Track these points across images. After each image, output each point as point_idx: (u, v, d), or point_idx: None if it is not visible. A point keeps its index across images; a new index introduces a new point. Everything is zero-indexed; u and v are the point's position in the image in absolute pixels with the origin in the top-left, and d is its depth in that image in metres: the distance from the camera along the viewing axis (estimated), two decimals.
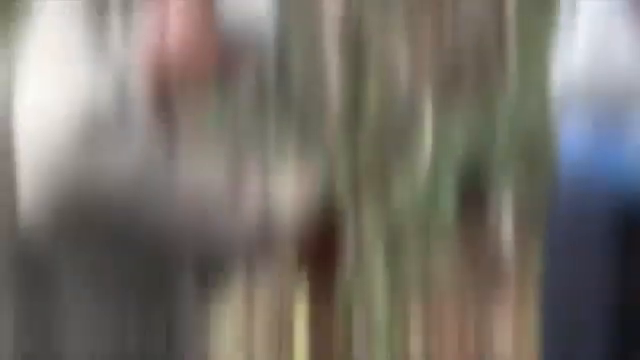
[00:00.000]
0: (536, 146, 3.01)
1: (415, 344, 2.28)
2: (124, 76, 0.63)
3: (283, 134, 2.95)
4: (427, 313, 2.51)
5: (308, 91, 3.05)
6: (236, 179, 0.65)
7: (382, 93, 2.79)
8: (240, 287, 2.47)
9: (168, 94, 0.71)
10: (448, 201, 2.75)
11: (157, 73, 0.70)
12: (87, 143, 0.57)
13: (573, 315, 1.26)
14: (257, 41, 0.75)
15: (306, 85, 2.98)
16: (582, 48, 1.22)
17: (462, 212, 2.96)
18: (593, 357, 1.24)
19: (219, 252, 0.65)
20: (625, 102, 1.23)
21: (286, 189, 0.72)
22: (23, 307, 0.66)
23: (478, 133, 2.92)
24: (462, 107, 3.26)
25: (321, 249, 0.78)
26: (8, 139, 0.59)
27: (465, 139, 2.89)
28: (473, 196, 3.05)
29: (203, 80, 0.73)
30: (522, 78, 2.95)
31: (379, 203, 2.74)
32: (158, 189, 0.59)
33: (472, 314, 2.55)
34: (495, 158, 2.85)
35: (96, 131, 0.58)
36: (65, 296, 0.65)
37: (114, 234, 0.60)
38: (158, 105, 0.69)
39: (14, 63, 0.63)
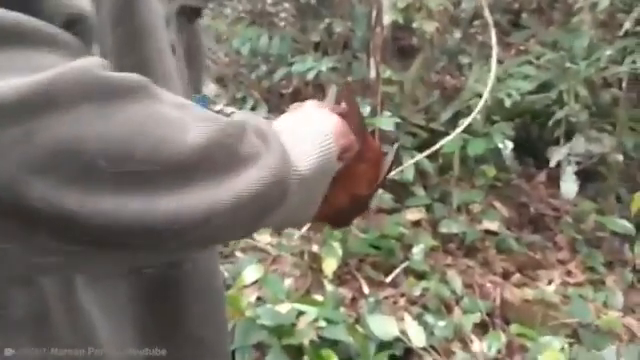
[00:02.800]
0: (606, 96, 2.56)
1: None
2: None
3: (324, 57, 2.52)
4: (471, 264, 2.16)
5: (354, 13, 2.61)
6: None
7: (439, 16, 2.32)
8: None
9: None
10: (504, 148, 2.32)
11: None
12: None
13: None
14: None
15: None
16: None
17: (518, 162, 2.56)
18: None
19: None
20: None
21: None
22: None
23: (544, 75, 2.46)
24: (528, 44, 2.79)
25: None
26: None
27: (528, 81, 2.44)
28: (531, 145, 2.63)
29: None
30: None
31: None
32: None
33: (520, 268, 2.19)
34: (560, 106, 2.41)
35: None
36: None
37: None
38: None
39: None
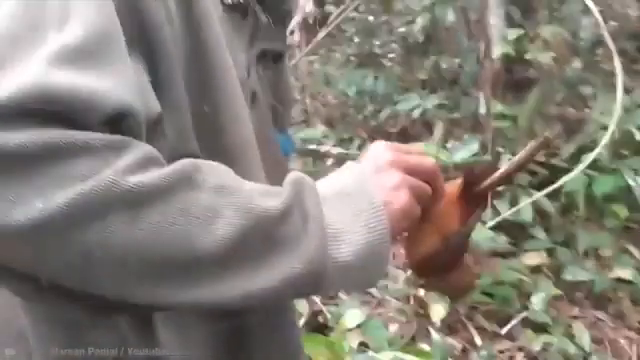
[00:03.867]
0: None
1: None
2: None
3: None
4: None
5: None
6: None
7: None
8: None
9: None
10: (636, 185, 2.06)
11: None
12: None
13: None
14: None
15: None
16: None
17: None
18: None
19: None
20: None
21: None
22: None
23: None
24: None
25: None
26: None
27: None
28: None
29: None
30: None
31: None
32: None
33: None
34: None
35: None
36: None
37: None
38: None
39: None
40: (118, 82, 0.41)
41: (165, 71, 0.47)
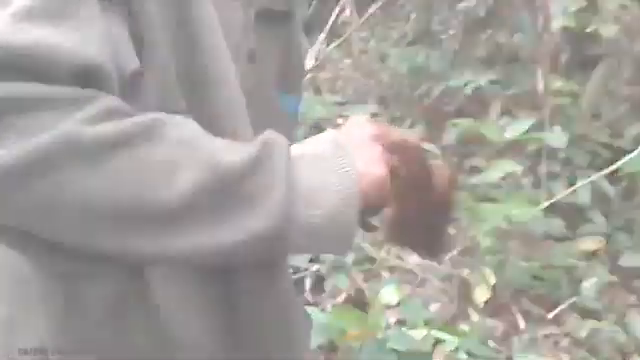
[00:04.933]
0: None
1: None
2: None
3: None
4: None
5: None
6: None
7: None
8: None
9: None
10: None
11: None
12: None
13: None
14: None
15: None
16: None
17: None
18: None
19: None
20: None
21: None
22: None
23: None
24: None
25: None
26: None
27: None
28: None
29: None
30: None
31: None
32: None
33: None
34: None
35: None
36: None
37: None
38: None
39: None
40: (85, 37, 0.42)
41: (146, 27, 0.47)
